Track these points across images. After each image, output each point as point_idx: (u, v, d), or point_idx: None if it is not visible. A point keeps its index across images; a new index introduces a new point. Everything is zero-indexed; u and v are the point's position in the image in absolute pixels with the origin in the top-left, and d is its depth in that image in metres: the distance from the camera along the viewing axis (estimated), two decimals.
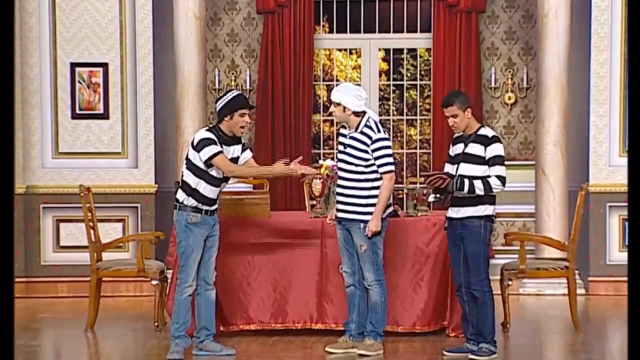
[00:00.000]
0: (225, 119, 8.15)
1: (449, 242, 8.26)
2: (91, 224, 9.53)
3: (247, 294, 9.07)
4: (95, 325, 9.50)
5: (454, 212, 8.11)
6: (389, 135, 10.43)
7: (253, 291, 9.06)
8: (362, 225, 8.17)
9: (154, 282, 9.44)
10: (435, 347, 8.53)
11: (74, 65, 11.68)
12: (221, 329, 8.95)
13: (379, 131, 8.19)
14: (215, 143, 8.06)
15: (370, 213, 8.15)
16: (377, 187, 8.19)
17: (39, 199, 11.64)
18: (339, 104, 8.22)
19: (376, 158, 8.16)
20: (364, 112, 8.24)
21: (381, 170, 8.17)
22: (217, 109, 8.19)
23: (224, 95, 8.23)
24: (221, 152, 8.07)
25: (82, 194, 9.51)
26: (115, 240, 10.05)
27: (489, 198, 8.05)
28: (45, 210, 11.66)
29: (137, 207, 11.67)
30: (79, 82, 11.69)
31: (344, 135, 8.30)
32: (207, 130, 8.20)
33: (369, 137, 8.16)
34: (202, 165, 8.09)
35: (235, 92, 8.26)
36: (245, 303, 9.06)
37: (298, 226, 9.08)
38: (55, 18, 11.64)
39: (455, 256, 8.21)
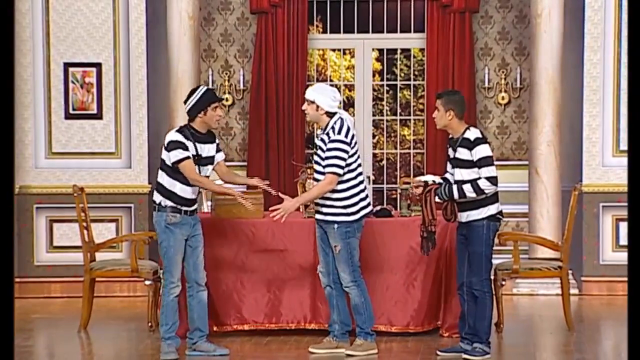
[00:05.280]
0: (199, 115, 8.14)
1: (458, 241, 8.28)
2: (84, 224, 9.52)
3: (241, 294, 9.06)
4: (88, 326, 9.49)
5: (463, 217, 8.11)
6: (384, 135, 10.42)
7: (247, 291, 9.06)
8: (335, 226, 8.15)
9: (147, 282, 9.43)
10: (429, 347, 8.54)
11: (67, 65, 11.66)
12: (215, 329, 8.95)
13: (339, 133, 8.08)
14: (184, 146, 8.03)
15: (345, 214, 8.13)
16: (352, 187, 8.15)
17: (32, 199, 11.63)
18: (312, 102, 8.20)
19: (326, 158, 8.09)
20: (335, 114, 8.21)
21: (326, 170, 8.07)
22: (188, 108, 8.16)
23: (192, 93, 8.20)
24: (189, 157, 8.04)
25: (75, 194, 9.50)
26: (109, 241, 10.04)
27: (489, 198, 8.01)
28: (39, 211, 11.64)
29: (130, 207, 11.65)
30: (73, 82, 11.68)
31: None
32: (177, 131, 8.17)
33: (328, 137, 8.14)
34: None
35: (203, 88, 8.24)
36: (239, 303, 9.06)
37: (291, 226, 9.07)
38: (48, 18, 11.63)
39: (461, 256, 8.21)
